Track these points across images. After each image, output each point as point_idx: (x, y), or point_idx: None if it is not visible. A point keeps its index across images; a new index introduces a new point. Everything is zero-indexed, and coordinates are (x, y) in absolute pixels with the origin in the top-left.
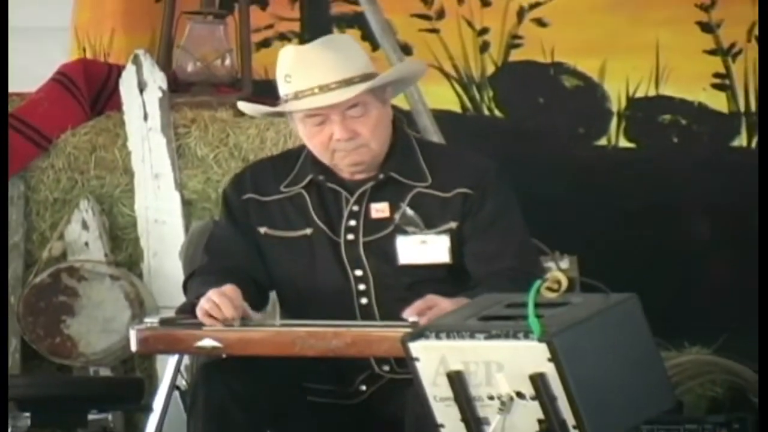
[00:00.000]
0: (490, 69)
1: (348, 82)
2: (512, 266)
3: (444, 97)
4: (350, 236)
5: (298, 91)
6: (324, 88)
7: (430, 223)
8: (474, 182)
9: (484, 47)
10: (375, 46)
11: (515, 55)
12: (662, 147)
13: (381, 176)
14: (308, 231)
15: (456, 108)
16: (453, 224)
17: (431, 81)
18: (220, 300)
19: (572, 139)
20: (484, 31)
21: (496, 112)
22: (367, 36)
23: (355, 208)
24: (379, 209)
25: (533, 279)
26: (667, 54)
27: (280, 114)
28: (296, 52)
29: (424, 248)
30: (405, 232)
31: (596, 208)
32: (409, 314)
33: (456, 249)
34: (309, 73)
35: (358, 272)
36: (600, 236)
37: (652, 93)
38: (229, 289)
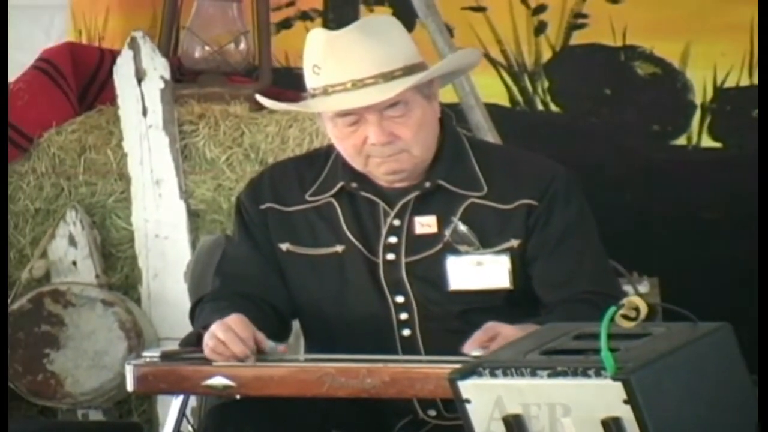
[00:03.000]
0: (547, 55)
1: (387, 77)
2: (588, 289)
3: (490, 88)
4: (390, 255)
5: (327, 86)
6: (358, 84)
7: (486, 240)
8: (539, 192)
9: (540, 28)
10: (410, 27)
11: (577, 38)
12: (756, 147)
13: (427, 184)
14: (339, 248)
15: (504, 101)
16: (514, 242)
17: (475, 69)
18: (225, 336)
19: (646, 138)
20: (540, 8)
21: (553, 107)
22: (400, 14)
23: (396, 222)
24: (425, 224)
25: (614, 303)
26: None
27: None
28: (327, 37)
29: (480, 271)
30: (457, 252)
31: (678, 221)
32: (471, 348)
33: (518, 272)
34: (341, 63)
35: (400, 298)
36: (684, 254)
37: (744, 83)
38: (234, 320)
